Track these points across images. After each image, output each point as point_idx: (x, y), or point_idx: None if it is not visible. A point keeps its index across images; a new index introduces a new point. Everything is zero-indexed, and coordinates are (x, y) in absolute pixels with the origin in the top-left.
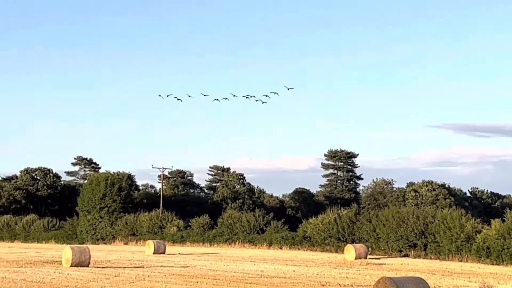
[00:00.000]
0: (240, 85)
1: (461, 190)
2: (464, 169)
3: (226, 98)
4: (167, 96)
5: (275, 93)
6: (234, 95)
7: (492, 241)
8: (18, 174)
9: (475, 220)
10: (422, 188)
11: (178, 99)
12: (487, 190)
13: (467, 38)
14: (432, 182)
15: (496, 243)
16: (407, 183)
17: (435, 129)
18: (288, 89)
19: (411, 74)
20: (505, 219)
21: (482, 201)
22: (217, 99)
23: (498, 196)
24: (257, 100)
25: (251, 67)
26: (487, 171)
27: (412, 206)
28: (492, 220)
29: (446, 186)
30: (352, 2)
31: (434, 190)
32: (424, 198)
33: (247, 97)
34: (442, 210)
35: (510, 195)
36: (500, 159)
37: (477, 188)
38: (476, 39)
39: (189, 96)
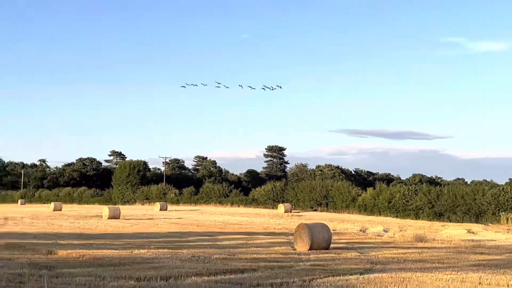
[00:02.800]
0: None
1: (349, 170)
2: (351, 157)
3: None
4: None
5: (279, 86)
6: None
7: (367, 201)
8: (74, 161)
9: (357, 188)
10: (325, 168)
11: (194, 85)
12: (365, 170)
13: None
14: (331, 165)
15: (370, 202)
16: (316, 165)
17: (334, 132)
18: (273, 88)
19: (321, 95)
20: (375, 187)
21: (361, 176)
22: (226, 86)
23: (371, 173)
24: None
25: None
26: (364, 158)
27: (319, 180)
28: (367, 188)
29: (340, 167)
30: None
31: (332, 170)
32: (326, 174)
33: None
34: (337, 182)
35: (378, 173)
36: (373, 151)
37: (358, 169)
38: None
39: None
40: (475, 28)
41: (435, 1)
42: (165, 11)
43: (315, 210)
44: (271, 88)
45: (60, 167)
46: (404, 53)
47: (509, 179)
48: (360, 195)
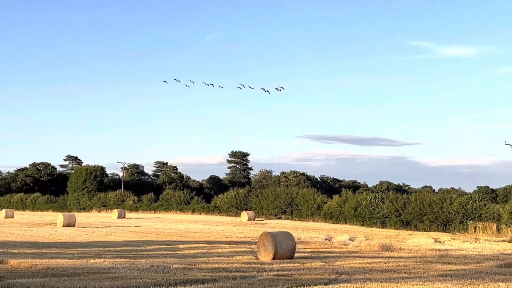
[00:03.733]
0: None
1: (315, 177)
2: (317, 163)
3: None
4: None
5: (282, 88)
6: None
7: (333, 209)
8: (27, 166)
9: (323, 195)
10: (290, 175)
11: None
12: (331, 177)
13: (318, 77)
14: (297, 171)
15: (336, 210)
16: (280, 172)
17: (299, 138)
18: (279, 89)
19: (286, 100)
20: (341, 195)
21: (327, 183)
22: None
23: (337, 180)
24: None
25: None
26: (331, 164)
27: (284, 186)
28: (333, 195)
29: (305, 174)
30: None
31: (297, 176)
32: (291, 181)
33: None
34: (303, 189)
35: (344, 179)
36: (339, 157)
37: (324, 175)
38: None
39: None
40: (444, 33)
41: (403, 5)
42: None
43: (280, 218)
44: (277, 88)
45: (13, 172)
46: (372, 58)
47: (477, 187)
48: (325, 203)
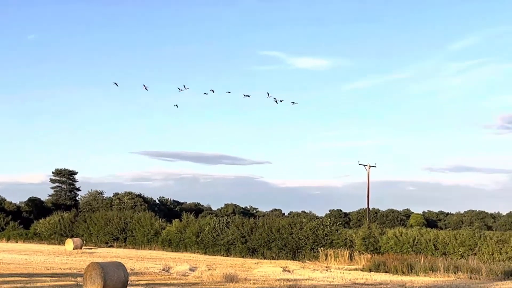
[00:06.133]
0: None
1: (152, 199)
2: (155, 183)
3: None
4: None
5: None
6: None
7: (173, 235)
8: None
9: (161, 220)
10: (124, 197)
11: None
12: (171, 199)
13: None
14: (132, 192)
15: (175, 236)
16: (113, 193)
17: (135, 154)
18: (293, 103)
19: (121, 113)
20: (182, 219)
21: (167, 206)
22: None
23: (178, 202)
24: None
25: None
26: (171, 185)
27: (117, 210)
28: (173, 220)
29: (142, 195)
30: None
31: (133, 198)
32: (125, 204)
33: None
34: (138, 213)
35: (186, 202)
36: (180, 176)
37: (164, 197)
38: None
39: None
40: (295, 43)
41: (251, 14)
42: None
43: (111, 246)
44: (276, 100)
45: None
46: (217, 67)
47: (329, 210)
48: (164, 228)
